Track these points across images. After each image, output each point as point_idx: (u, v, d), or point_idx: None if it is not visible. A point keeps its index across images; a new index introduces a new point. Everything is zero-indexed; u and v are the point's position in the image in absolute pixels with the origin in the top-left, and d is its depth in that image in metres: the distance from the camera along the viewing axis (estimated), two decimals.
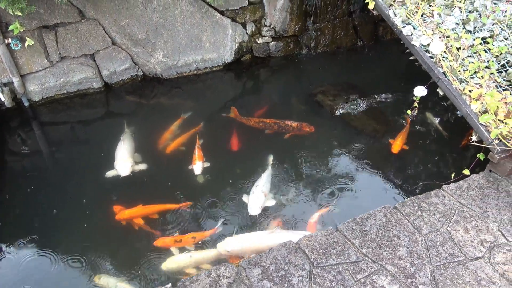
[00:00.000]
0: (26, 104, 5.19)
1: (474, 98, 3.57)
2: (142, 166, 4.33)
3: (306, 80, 6.05)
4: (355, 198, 4.11)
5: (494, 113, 3.42)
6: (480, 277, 2.76)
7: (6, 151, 4.76)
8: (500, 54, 3.88)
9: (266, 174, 4.15)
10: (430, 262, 2.84)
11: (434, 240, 2.99)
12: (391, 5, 4.48)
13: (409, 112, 4.15)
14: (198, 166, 4.22)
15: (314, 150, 4.67)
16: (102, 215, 3.86)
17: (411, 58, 4.28)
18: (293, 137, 4.79)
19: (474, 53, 3.92)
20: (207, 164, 4.30)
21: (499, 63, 3.84)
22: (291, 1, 5.85)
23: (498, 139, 3.35)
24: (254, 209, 3.80)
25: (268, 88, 6.11)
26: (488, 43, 3.97)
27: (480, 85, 3.66)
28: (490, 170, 3.60)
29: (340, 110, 5.20)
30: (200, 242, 3.62)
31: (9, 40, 4.61)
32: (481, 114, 3.47)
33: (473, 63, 3.79)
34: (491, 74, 3.74)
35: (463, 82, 3.75)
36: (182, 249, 3.55)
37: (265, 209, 3.89)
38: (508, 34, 4.03)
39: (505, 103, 3.43)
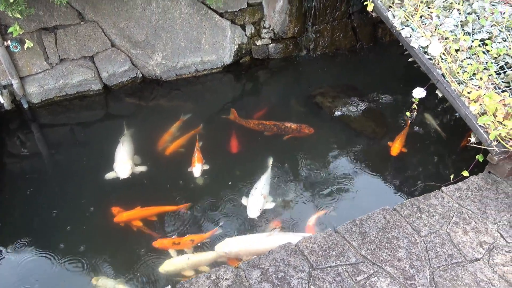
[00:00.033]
0: (26, 106, 5.19)
1: (473, 100, 3.58)
2: (142, 168, 4.33)
3: (305, 81, 6.05)
4: (354, 199, 4.11)
5: (493, 114, 3.43)
6: (479, 278, 2.76)
7: (6, 153, 4.76)
8: (499, 56, 3.89)
9: (265, 177, 4.14)
10: (430, 263, 2.85)
11: (433, 241, 2.99)
12: (390, 7, 4.49)
13: (408, 113, 4.16)
14: (197, 168, 4.21)
15: (313, 151, 4.67)
16: (101, 217, 3.85)
17: (410, 59, 4.29)
18: (292, 139, 4.79)
19: (473, 54, 3.93)
20: (206, 167, 4.30)
21: (497, 65, 3.85)
22: (290, 3, 5.86)
23: (497, 140, 3.35)
24: (253, 212, 3.78)
25: (267, 90, 6.12)
26: (486, 44, 3.98)
27: (479, 87, 3.67)
28: (489, 172, 3.60)
29: (339, 111, 5.21)
30: (199, 244, 3.61)
31: (9, 42, 4.61)
32: (480, 116, 3.48)
33: (471, 64, 3.80)
34: (489, 75, 3.75)
35: (462, 83, 3.76)
36: (180, 252, 3.55)
37: (264, 212, 3.88)
38: (507, 35, 4.04)
39: (504, 104, 3.44)
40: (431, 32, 4.11)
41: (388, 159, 4.51)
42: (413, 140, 4.68)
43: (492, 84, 3.70)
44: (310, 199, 4.10)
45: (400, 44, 4.37)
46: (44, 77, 5.11)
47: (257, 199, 3.86)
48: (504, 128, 3.33)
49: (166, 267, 3.39)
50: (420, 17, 4.29)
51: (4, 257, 3.58)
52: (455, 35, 4.06)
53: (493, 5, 4.37)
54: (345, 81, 5.93)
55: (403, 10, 4.33)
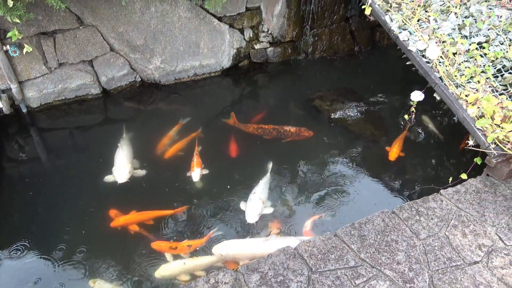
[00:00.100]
0: (24, 110, 5.20)
1: (470, 103, 3.59)
2: (141, 172, 4.32)
3: (304, 85, 6.07)
4: (353, 202, 4.11)
5: (491, 117, 3.44)
6: (478, 281, 2.76)
7: (5, 157, 4.76)
8: (496, 59, 3.91)
9: (264, 181, 4.13)
10: (429, 266, 2.85)
11: (432, 244, 2.99)
12: (388, 10, 4.52)
13: (406, 116, 4.17)
14: (196, 173, 4.20)
15: (311, 155, 4.68)
16: (100, 220, 3.85)
17: (408, 63, 4.31)
18: (291, 142, 4.80)
19: (470, 58, 3.95)
20: (205, 171, 4.30)
21: (495, 68, 3.87)
22: (288, 7, 5.88)
23: (495, 143, 3.36)
24: (251, 217, 3.76)
25: (266, 94, 6.13)
26: (484, 48, 4.00)
27: (476, 90, 3.68)
28: (487, 174, 3.61)
29: (337, 115, 5.22)
30: (197, 249, 3.61)
31: (8, 46, 4.61)
32: (478, 119, 3.49)
33: (469, 68, 3.82)
34: (487, 78, 3.77)
35: (459, 86, 3.77)
36: (176, 257, 3.54)
37: (263, 217, 3.87)
38: (504, 39, 4.06)
39: (502, 107, 3.46)
40: (428, 35, 4.13)
41: (386, 162, 4.51)
42: (412, 143, 4.69)
43: (489, 87, 3.72)
44: (309, 202, 4.10)
45: (398, 47, 4.39)
46: (43, 82, 5.11)
47: (256, 204, 3.84)
48: (502, 131, 3.35)
49: (162, 271, 3.38)
50: (418, 20, 4.31)
51: (2, 260, 3.58)
52: (453, 39, 4.08)
53: (490, 9, 4.40)
54: (343, 84, 5.94)
55: (401, 14, 4.35)
